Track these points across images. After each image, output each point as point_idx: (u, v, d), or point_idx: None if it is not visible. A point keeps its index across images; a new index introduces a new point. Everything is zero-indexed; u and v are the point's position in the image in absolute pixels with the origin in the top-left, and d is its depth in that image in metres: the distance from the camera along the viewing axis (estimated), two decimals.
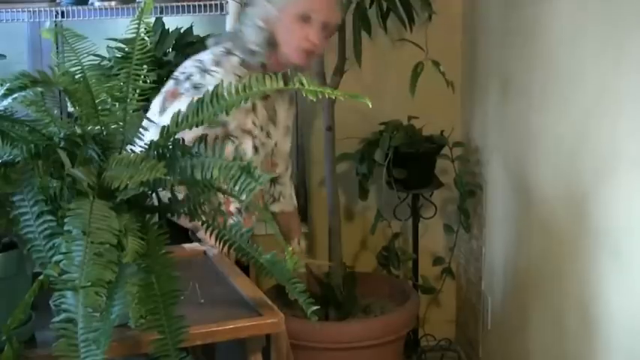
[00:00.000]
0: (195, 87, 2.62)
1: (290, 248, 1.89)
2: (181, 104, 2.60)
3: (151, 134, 1.88)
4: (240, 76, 2.65)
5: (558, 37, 2.87)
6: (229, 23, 3.22)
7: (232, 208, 2.55)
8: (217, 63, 2.67)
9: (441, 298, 4.00)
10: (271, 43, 2.70)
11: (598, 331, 2.65)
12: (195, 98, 2.56)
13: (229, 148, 2.63)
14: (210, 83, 2.59)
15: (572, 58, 2.78)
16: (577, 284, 2.77)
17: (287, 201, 3.08)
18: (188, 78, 2.65)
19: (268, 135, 2.80)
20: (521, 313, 3.26)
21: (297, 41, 2.71)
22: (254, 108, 2.71)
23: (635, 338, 2.45)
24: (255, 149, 2.73)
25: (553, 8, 2.90)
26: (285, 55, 2.72)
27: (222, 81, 2.60)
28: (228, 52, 2.71)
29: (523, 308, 3.24)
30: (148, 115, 2.66)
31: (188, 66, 2.70)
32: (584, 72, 2.70)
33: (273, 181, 2.99)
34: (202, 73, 2.64)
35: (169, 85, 2.70)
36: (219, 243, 1.92)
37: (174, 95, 2.65)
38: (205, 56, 2.71)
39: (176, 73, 2.72)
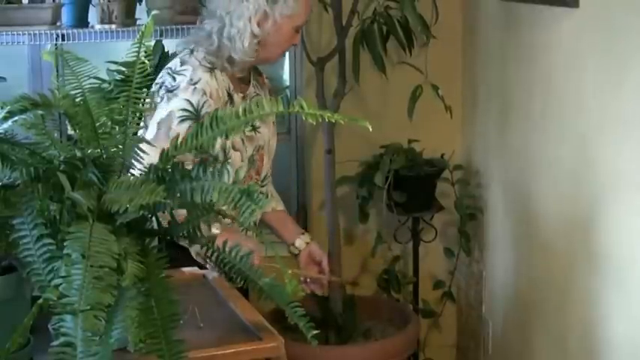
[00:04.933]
0: (170, 90, 2.64)
1: (290, 272, 1.88)
2: (160, 111, 2.62)
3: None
4: (210, 68, 2.69)
5: (558, 60, 2.88)
6: None
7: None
8: (183, 62, 2.70)
9: (441, 322, 3.99)
10: (259, 48, 2.74)
11: (599, 356, 2.64)
12: (173, 100, 2.61)
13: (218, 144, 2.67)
14: (182, 82, 2.64)
15: (573, 81, 2.78)
16: (578, 308, 2.76)
17: (277, 199, 3.04)
18: (161, 86, 2.68)
19: (254, 128, 2.79)
20: (522, 337, 3.25)
21: (286, 46, 2.82)
22: (231, 100, 2.73)
23: None
24: (242, 141, 2.74)
25: (553, 32, 2.91)
26: (267, 55, 2.77)
27: (192, 74, 2.66)
28: (192, 51, 2.73)
29: (524, 333, 3.23)
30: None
31: (159, 77, 2.73)
32: (584, 96, 2.70)
33: (262, 184, 2.96)
34: (172, 75, 2.67)
35: (146, 103, 2.72)
36: (218, 266, 1.91)
37: (152, 107, 2.67)
38: (173, 61, 2.75)
39: (151, 90, 2.74)
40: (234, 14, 2.69)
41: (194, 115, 2.60)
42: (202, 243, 1.89)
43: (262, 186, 2.89)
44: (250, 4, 2.68)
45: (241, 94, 2.77)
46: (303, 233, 2.97)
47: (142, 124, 2.70)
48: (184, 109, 2.60)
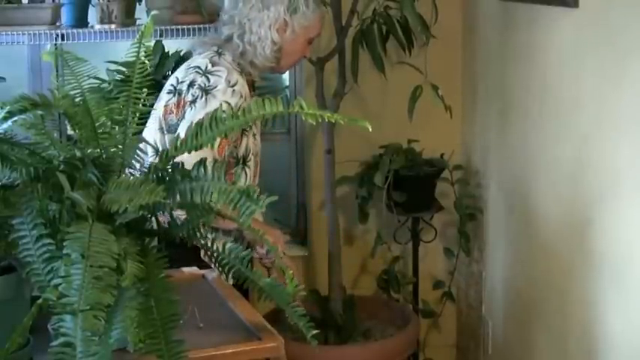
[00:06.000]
0: (205, 90, 2.65)
1: (290, 272, 1.88)
2: (197, 112, 2.61)
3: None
4: (240, 71, 2.74)
5: (558, 60, 2.88)
6: None
7: None
8: (214, 63, 2.72)
9: (441, 322, 3.99)
10: (279, 55, 2.80)
11: (598, 355, 2.64)
12: (212, 102, 2.61)
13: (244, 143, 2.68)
14: (219, 83, 2.66)
15: (572, 81, 2.78)
16: (577, 308, 2.77)
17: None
18: (191, 85, 2.68)
19: (254, 136, 2.82)
20: (522, 337, 3.25)
21: (298, 57, 2.90)
22: None
23: None
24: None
25: (553, 32, 2.91)
26: (280, 64, 2.83)
27: (228, 76, 2.66)
28: (219, 53, 2.76)
29: (524, 333, 3.23)
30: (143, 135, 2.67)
31: (183, 75, 2.74)
32: (583, 95, 2.70)
33: None
34: (205, 75, 2.69)
35: (166, 99, 2.72)
36: (218, 267, 1.91)
37: (180, 106, 2.67)
38: (199, 61, 2.75)
39: (171, 86, 2.74)
40: (255, 21, 2.75)
41: None
42: (201, 244, 1.89)
43: None
44: (271, 13, 2.75)
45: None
46: None
47: (152, 122, 2.71)
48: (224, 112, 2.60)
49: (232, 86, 2.67)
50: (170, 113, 2.69)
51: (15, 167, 1.76)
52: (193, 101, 2.65)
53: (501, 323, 3.49)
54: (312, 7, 2.81)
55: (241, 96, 2.67)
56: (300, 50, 2.85)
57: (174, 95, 2.70)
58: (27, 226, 1.71)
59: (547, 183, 3.00)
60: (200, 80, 2.67)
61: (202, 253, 2.47)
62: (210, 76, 2.67)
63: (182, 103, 2.68)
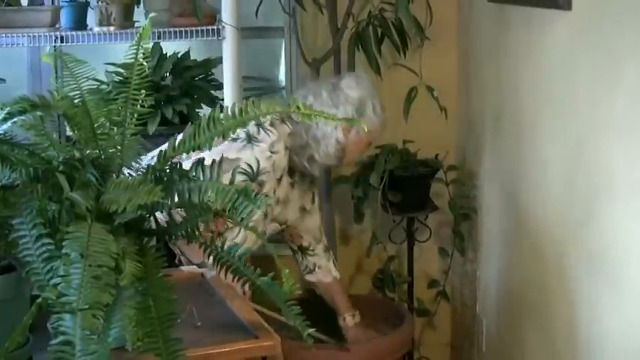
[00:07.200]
0: (249, 137, 2.70)
1: (287, 271, 1.90)
2: (229, 149, 2.60)
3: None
4: (286, 148, 2.78)
5: (552, 62, 2.90)
6: (226, 49, 3.23)
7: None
8: (273, 124, 2.76)
9: (436, 321, 4.00)
10: (342, 155, 2.86)
11: (591, 354, 2.66)
12: (246, 151, 2.64)
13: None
14: (264, 140, 2.71)
15: (566, 83, 2.80)
16: (571, 308, 2.78)
17: (323, 271, 3.16)
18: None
19: (271, 219, 2.88)
20: (516, 336, 3.27)
21: (357, 157, 3.01)
22: (281, 179, 2.81)
23: None
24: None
25: (547, 34, 2.92)
26: (342, 163, 2.93)
27: (275, 142, 2.70)
28: (282, 121, 2.79)
29: (518, 331, 3.25)
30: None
31: None
32: (577, 98, 2.72)
33: (304, 252, 3.12)
34: (257, 126, 2.72)
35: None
36: (217, 265, 1.93)
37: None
38: None
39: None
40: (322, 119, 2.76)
41: (252, 175, 2.66)
42: (200, 242, 1.91)
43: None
44: (339, 112, 2.78)
45: (290, 177, 2.87)
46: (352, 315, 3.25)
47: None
48: (249, 165, 2.64)
49: (272, 152, 2.71)
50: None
51: (15, 167, 1.77)
52: (235, 139, 2.67)
53: (495, 322, 3.51)
54: (379, 113, 2.86)
55: (272, 165, 2.71)
56: (361, 151, 2.92)
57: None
58: (26, 226, 1.72)
59: (541, 184, 3.01)
60: (251, 128, 2.70)
61: (177, 259, 2.51)
62: (261, 130, 2.71)
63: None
